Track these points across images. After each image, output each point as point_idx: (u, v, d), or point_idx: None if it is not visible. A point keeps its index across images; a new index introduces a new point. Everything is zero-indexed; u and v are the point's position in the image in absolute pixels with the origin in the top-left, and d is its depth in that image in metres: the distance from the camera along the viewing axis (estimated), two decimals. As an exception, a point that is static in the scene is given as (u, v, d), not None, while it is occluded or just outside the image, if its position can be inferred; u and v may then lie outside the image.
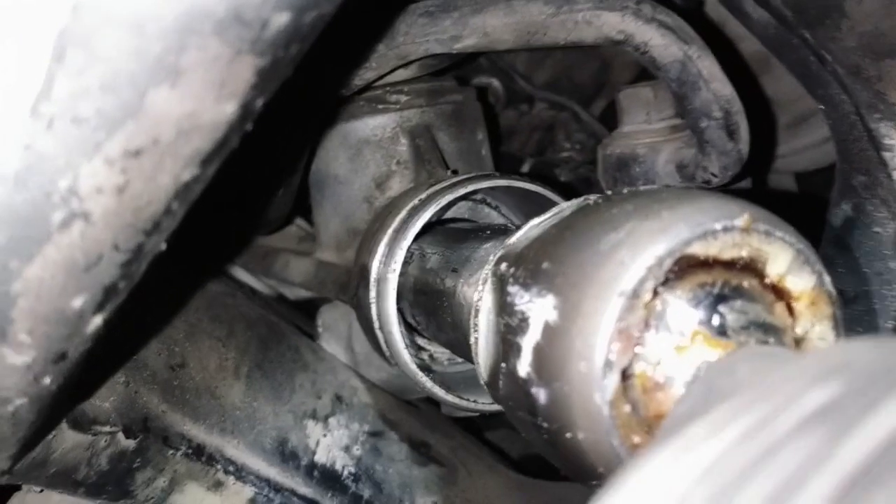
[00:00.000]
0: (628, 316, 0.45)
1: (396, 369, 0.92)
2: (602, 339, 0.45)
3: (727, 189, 1.02)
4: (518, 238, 0.61)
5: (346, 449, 1.09)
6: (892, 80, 0.73)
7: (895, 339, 0.35)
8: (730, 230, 0.45)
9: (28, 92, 0.40)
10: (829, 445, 0.26)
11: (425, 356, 1.04)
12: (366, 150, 1.15)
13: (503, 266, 0.58)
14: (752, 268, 0.47)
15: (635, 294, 0.45)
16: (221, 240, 1.30)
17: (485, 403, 0.88)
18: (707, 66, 0.88)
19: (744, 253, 0.46)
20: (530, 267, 0.54)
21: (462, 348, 0.74)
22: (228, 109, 0.43)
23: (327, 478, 1.06)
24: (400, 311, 0.91)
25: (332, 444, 1.08)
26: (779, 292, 0.47)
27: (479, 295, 0.63)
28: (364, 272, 0.92)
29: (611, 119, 1.47)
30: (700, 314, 0.46)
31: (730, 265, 0.46)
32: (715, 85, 0.88)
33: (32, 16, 0.39)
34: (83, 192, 0.43)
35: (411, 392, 1.21)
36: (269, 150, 1.04)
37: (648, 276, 0.45)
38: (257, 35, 0.40)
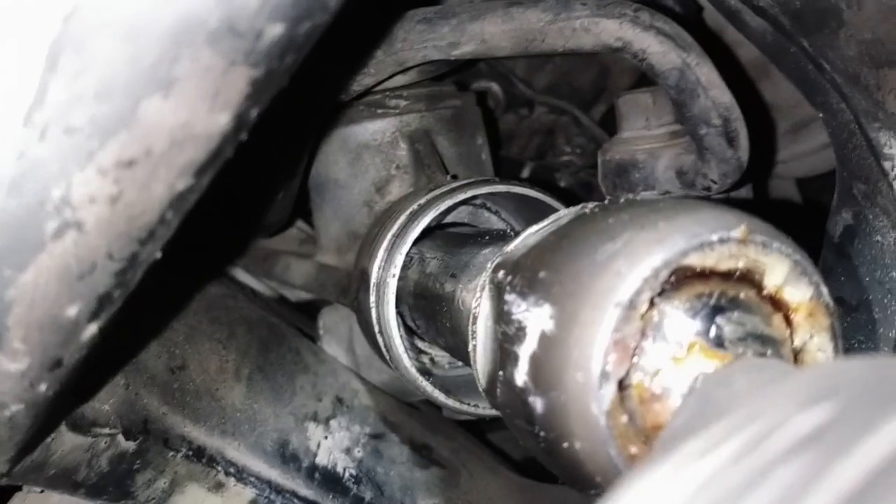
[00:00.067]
0: (625, 326, 0.45)
1: (397, 372, 0.92)
2: (598, 349, 0.45)
3: (727, 196, 1.02)
4: (515, 246, 0.61)
5: (348, 451, 1.09)
6: (891, 88, 0.72)
7: (890, 358, 0.35)
8: (726, 241, 0.45)
9: (21, 101, 0.40)
10: (823, 467, 0.26)
11: (426, 359, 1.04)
12: (365, 154, 1.14)
13: (500, 274, 0.58)
14: (749, 279, 0.47)
15: (632, 305, 0.45)
16: (220, 244, 1.30)
17: (485, 408, 0.88)
18: (705, 74, 0.87)
19: (741, 264, 0.46)
20: (527, 275, 0.53)
21: (461, 353, 0.74)
22: (222, 120, 0.43)
23: (328, 480, 1.05)
24: (400, 314, 0.91)
25: (333, 446, 1.08)
26: (776, 303, 0.47)
27: (477, 302, 0.63)
28: (364, 276, 0.92)
29: (610, 124, 1.47)
30: (697, 325, 0.46)
31: (727, 276, 0.46)
32: (714, 92, 0.87)
33: (25, 24, 0.39)
34: (76, 201, 0.42)
35: (412, 394, 1.21)
36: (267, 155, 1.04)
37: (645, 286, 0.45)
38: (251, 46, 0.40)
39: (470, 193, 0.89)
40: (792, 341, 0.48)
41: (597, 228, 0.50)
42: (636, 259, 0.45)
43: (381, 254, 0.90)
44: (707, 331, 0.46)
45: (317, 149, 1.18)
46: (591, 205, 0.58)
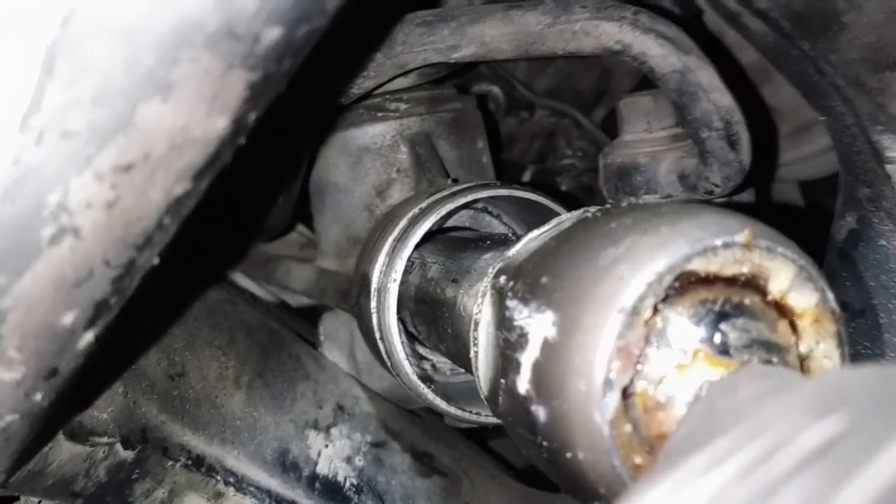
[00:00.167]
0: (628, 333, 0.44)
1: (398, 379, 0.91)
2: (601, 356, 0.44)
3: (730, 200, 1.01)
4: (517, 251, 0.60)
5: (348, 460, 1.08)
6: (894, 91, 0.72)
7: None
8: (730, 246, 0.45)
9: (17, 105, 0.40)
10: (831, 487, 0.26)
11: (427, 366, 1.03)
12: (366, 158, 1.14)
13: (502, 279, 0.57)
14: (753, 284, 0.46)
15: (635, 311, 0.44)
16: (220, 249, 1.30)
17: (488, 415, 0.87)
18: (706, 77, 0.87)
19: (745, 269, 0.45)
20: (529, 281, 0.53)
21: (463, 359, 0.73)
22: (220, 124, 0.42)
23: (329, 489, 1.05)
24: (401, 319, 0.90)
25: (333, 454, 1.07)
26: (781, 309, 0.47)
27: (478, 307, 0.62)
28: (365, 281, 0.92)
29: (612, 128, 1.46)
30: (702, 332, 0.45)
31: (731, 282, 0.45)
32: (715, 95, 0.87)
33: (22, 28, 0.38)
34: (73, 206, 0.42)
35: (414, 402, 1.20)
36: (266, 159, 1.04)
37: (648, 292, 0.44)
38: (249, 49, 0.40)
39: (471, 197, 0.88)
40: (798, 348, 0.47)
41: (599, 233, 0.50)
42: (639, 264, 0.44)
43: (382, 258, 0.89)
44: (712, 337, 0.45)
45: (317, 152, 1.18)
46: (593, 209, 0.57)
